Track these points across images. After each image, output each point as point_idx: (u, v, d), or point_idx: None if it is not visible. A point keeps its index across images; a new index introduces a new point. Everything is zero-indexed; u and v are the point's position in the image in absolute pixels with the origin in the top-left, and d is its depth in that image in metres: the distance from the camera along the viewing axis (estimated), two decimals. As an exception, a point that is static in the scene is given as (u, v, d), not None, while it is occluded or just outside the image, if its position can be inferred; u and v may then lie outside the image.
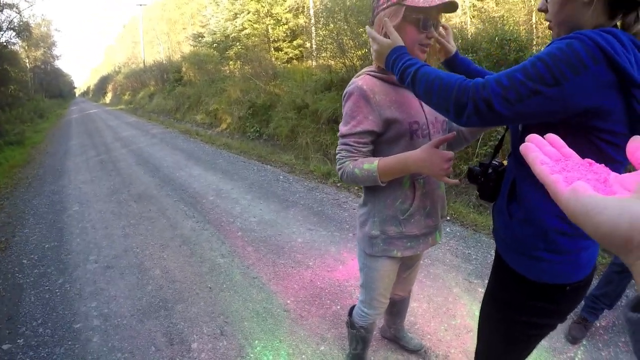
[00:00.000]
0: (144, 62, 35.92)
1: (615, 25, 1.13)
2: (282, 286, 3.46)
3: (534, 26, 12.45)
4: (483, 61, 7.18)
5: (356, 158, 1.61)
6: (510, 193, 1.37)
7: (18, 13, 30.76)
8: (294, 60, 17.79)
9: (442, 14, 1.61)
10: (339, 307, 3.20)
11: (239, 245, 4.22)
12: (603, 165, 0.47)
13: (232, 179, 6.79)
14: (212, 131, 13.27)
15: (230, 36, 18.46)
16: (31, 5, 32.67)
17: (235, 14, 18.48)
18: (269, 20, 18.25)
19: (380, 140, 1.65)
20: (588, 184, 0.43)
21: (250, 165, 7.75)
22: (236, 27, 18.29)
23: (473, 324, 2.99)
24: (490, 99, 1.08)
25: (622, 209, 0.37)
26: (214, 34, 19.22)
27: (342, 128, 1.63)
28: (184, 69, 22.41)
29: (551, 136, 0.54)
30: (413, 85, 1.32)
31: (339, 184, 6.13)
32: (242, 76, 14.62)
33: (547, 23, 1.26)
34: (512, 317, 1.47)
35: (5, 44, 28.36)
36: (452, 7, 1.52)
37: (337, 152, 1.68)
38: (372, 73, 1.61)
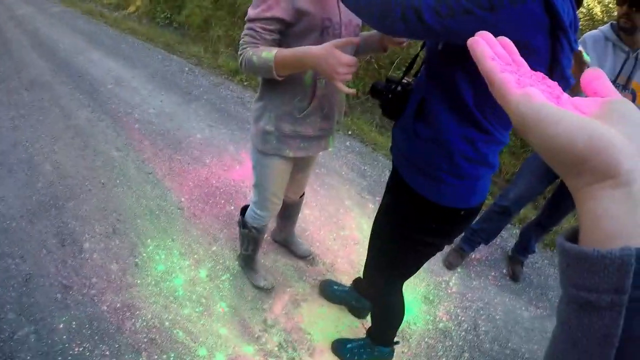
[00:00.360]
0: None
1: None
2: (177, 183, 3.48)
3: None
4: None
5: (258, 45, 1.55)
6: (417, 111, 1.37)
7: None
8: None
9: None
10: (232, 208, 3.28)
11: (136, 138, 4.13)
12: (556, 82, 0.44)
13: (135, 67, 6.45)
14: (118, 13, 12.34)
15: None
16: None
17: None
18: None
19: (289, 32, 1.58)
20: (541, 90, 0.40)
21: (155, 54, 7.36)
22: None
23: (361, 236, 3.17)
24: (420, 8, 1.06)
25: (582, 125, 0.34)
26: None
27: (250, 11, 1.55)
28: None
29: (504, 39, 0.50)
30: None
31: (245, 83, 6.00)
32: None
33: None
34: (405, 234, 1.56)
35: None
36: None
37: (241, 37, 1.60)
38: None
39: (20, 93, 5.44)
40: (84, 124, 4.44)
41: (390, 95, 1.50)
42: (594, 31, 2.46)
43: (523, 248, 3.19)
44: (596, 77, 0.42)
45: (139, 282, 2.68)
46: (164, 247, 2.89)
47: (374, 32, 1.75)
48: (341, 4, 1.54)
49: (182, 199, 3.32)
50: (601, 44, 2.38)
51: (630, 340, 0.29)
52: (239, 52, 1.59)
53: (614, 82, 2.29)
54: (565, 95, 0.42)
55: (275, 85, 1.68)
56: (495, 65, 0.43)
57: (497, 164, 1.39)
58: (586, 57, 1.61)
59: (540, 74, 0.45)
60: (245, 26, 1.57)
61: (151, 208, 3.22)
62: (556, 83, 0.44)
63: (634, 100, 2.32)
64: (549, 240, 3.61)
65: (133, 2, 12.60)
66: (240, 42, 1.59)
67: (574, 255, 0.33)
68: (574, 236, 0.36)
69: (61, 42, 8.18)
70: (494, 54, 0.46)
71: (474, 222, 3.02)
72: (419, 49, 1.57)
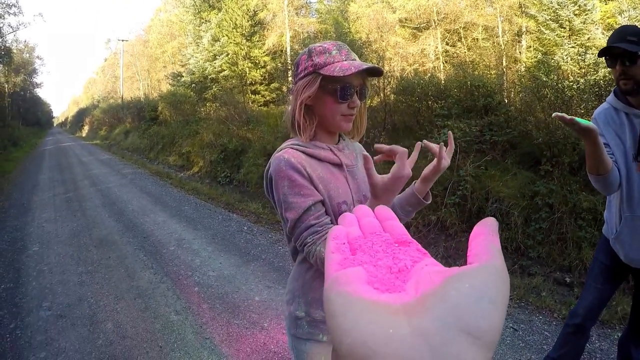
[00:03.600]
0: (122, 98, 35.90)
1: None
2: (235, 349, 3.49)
3: (504, 70, 12.90)
4: (452, 107, 7.36)
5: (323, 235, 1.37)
6: None
7: (0, 37, 30.84)
8: (271, 104, 17.97)
9: (370, 78, 1.55)
10: (289, 373, 3.26)
11: (195, 301, 4.26)
12: (420, 250, 0.40)
13: (196, 228, 6.81)
14: (183, 174, 13.28)
15: (209, 77, 18.58)
16: (15, 31, 32.63)
17: (215, 55, 18.61)
18: (247, 63, 18.48)
19: None
20: (369, 271, 0.37)
21: (216, 214, 7.79)
22: (215, 68, 18.40)
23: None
24: None
25: (356, 324, 0.30)
26: (193, 74, 19.23)
27: (289, 215, 1.39)
28: (160, 108, 22.43)
29: (382, 208, 0.49)
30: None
31: None
32: (216, 119, 14.73)
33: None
34: None
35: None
36: (376, 72, 1.46)
37: (299, 245, 1.41)
38: (295, 146, 1.46)
39: (89, 250, 5.80)
40: (146, 285, 4.62)
41: None
42: (601, 106, 2.28)
43: None
44: (478, 233, 0.38)
45: None
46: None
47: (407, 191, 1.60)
48: (351, 183, 1.52)
49: (239, 366, 3.34)
50: (614, 119, 2.19)
51: None
52: (310, 259, 1.39)
53: (638, 154, 2.09)
54: (424, 264, 0.37)
55: (308, 269, 1.57)
56: (330, 245, 0.41)
57: None
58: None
59: (404, 241, 0.42)
60: (296, 232, 1.41)
61: (206, 375, 3.25)
62: (419, 250, 0.40)
63: None
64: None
65: (197, 163, 13.55)
66: (305, 249, 1.39)
67: None
68: None
69: (130, 203, 8.81)
70: (360, 225, 0.46)
71: (550, 351, 2.80)
72: None
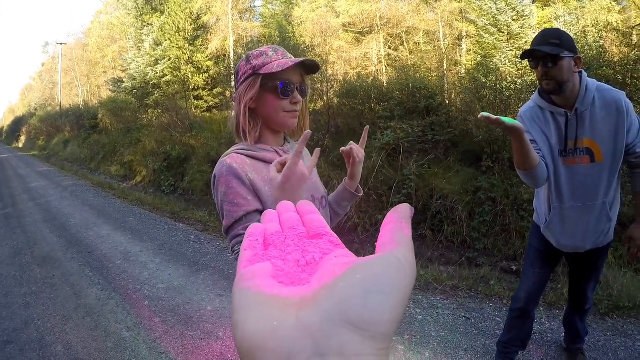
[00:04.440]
0: (60, 106, 34.67)
1: None
2: (191, 361, 3.51)
3: (445, 72, 13.31)
4: (394, 109, 7.59)
5: None
6: None
7: None
8: (214, 110, 17.89)
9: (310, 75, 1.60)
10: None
11: (146, 316, 4.22)
12: (332, 242, 0.41)
13: (142, 240, 6.73)
14: (126, 184, 13.00)
15: (151, 83, 18.19)
16: None
17: (157, 59, 18.24)
18: (190, 68, 18.29)
19: None
20: (276, 265, 0.38)
21: (162, 224, 7.70)
22: (157, 73, 18.04)
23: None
24: None
25: (247, 319, 0.31)
26: (134, 79, 18.72)
27: (224, 221, 1.40)
28: (100, 116, 21.81)
29: (304, 202, 0.49)
30: None
31: None
32: (159, 126, 14.51)
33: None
34: None
35: None
36: (314, 68, 1.52)
37: (232, 250, 1.41)
38: (241, 151, 1.47)
39: (32, 269, 5.63)
40: (94, 303, 4.52)
41: None
42: (527, 104, 2.42)
43: (574, 336, 3.04)
44: (389, 221, 0.39)
45: None
46: None
47: (340, 187, 1.73)
48: None
49: (196, 379, 3.34)
50: (539, 117, 2.32)
51: None
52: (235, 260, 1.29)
53: (564, 150, 2.26)
54: (335, 255, 0.38)
55: None
56: (244, 243, 0.42)
57: None
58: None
59: (317, 234, 0.42)
60: (229, 237, 1.41)
61: (164, 390, 3.25)
62: (331, 241, 0.41)
63: (592, 160, 2.24)
64: (605, 308, 3.58)
65: (139, 172, 13.29)
66: (234, 257, 1.29)
67: None
68: None
69: (72, 216, 8.57)
70: (281, 221, 0.46)
71: (501, 335, 2.93)
72: None
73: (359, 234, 5.84)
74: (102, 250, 6.30)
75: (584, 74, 2.21)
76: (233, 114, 1.55)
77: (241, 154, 1.45)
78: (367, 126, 1.48)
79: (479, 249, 5.39)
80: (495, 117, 1.75)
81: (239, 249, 1.28)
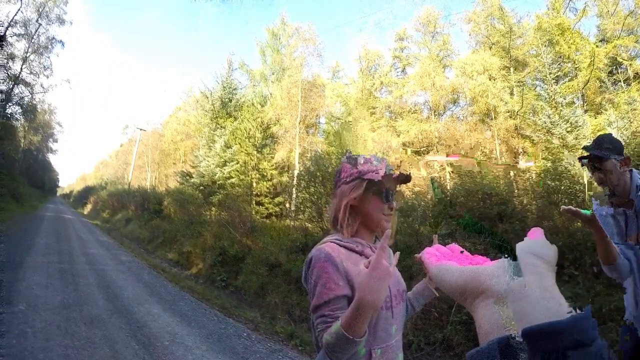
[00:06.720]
0: (129, 185, 36.25)
1: None
2: None
3: (512, 179, 13.02)
4: (465, 214, 7.35)
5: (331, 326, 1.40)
6: None
7: (30, 93, 32.20)
8: (273, 217, 18.17)
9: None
10: None
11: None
12: (462, 252, 0.68)
13: (190, 325, 6.46)
14: (177, 269, 12.98)
15: (217, 182, 18.76)
16: (45, 92, 33.98)
17: (225, 161, 18.95)
18: (255, 174, 18.95)
19: None
20: (448, 259, 0.64)
21: (211, 315, 7.40)
22: (224, 174, 18.68)
23: None
24: None
25: (460, 273, 0.57)
26: (203, 176, 19.43)
27: (313, 301, 1.48)
28: (165, 203, 22.50)
29: (454, 246, 0.72)
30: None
31: (300, 347, 5.90)
32: (218, 221, 14.69)
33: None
34: None
35: (9, 115, 29.55)
36: (408, 179, 1.69)
37: (314, 331, 1.50)
38: (337, 241, 1.59)
39: (78, 325, 5.46)
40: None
41: None
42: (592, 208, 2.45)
43: None
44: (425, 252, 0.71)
45: None
46: None
47: (420, 283, 1.96)
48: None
49: None
50: (604, 220, 2.33)
51: None
52: (319, 343, 1.45)
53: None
54: (474, 260, 0.62)
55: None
56: (423, 255, 0.71)
57: None
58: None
59: (465, 256, 0.66)
60: (313, 317, 1.48)
61: None
62: (460, 252, 0.68)
63: None
64: None
65: (196, 264, 13.26)
66: (316, 335, 1.48)
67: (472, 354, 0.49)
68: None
69: (125, 289, 8.49)
70: (439, 252, 0.70)
71: None
72: None
73: (412, 351, 5.41)
74: (150, 327, 6.06)
75: (634, 171, 2.28)
76: (331, 207, 1.74)
77: (337, 244, 1.59)
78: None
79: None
80: (575, 208, 1.96)
81: (321, 328, 1.43)
